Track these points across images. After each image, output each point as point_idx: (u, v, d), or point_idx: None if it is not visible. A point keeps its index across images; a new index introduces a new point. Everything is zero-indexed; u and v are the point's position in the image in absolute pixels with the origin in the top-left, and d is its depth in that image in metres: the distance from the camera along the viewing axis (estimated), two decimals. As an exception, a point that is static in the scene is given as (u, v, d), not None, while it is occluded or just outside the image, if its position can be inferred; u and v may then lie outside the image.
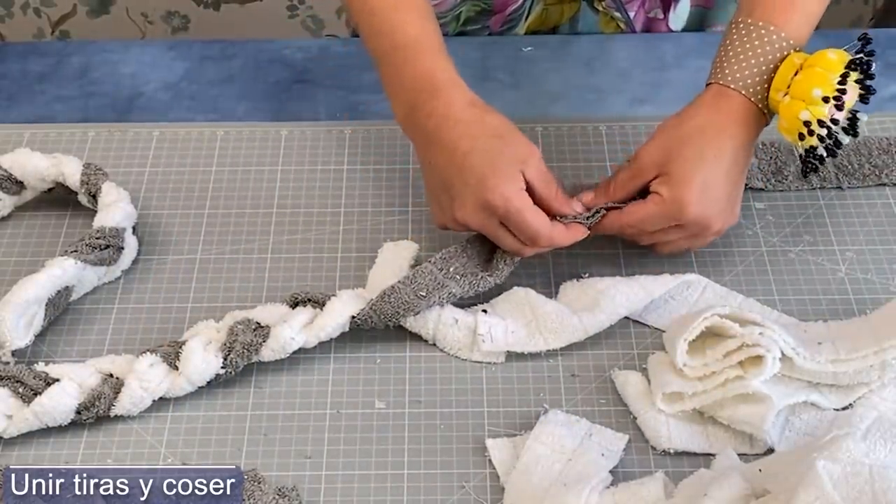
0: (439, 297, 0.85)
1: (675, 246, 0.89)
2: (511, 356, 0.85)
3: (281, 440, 0.81)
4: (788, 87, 0.83)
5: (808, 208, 0.97)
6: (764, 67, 0.85)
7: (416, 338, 0.87)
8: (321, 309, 0.85)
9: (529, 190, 0.83)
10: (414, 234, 0.95)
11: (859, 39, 0.84)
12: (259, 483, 0.75)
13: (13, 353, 0.83)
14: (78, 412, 0.80)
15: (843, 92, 0.81)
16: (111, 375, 0.82)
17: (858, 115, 0.83)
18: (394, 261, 0.89)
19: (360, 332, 0.86)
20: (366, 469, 0.79)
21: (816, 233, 0.95)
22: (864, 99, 0.83)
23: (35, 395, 0.80)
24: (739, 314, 0.81)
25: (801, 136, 0.82)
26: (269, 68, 1.13)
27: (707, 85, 0.87)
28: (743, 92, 0.84)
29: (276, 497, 0.75)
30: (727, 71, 0.85)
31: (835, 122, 0.81)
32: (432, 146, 0.85)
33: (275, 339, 0.83)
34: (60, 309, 0.88)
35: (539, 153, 0.85)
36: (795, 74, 0.83)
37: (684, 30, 1.16)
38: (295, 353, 0.84)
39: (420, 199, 0.98)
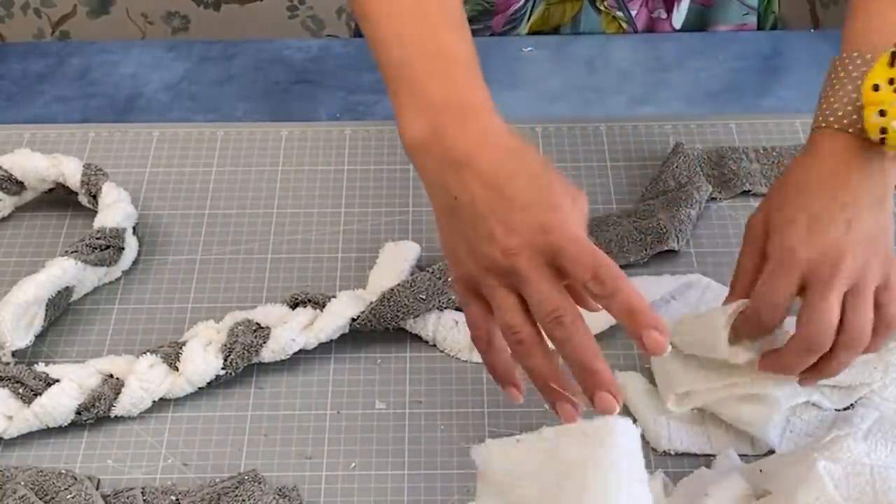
0: (439, 302, 0.85)
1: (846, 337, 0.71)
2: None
3: (281, 440, 0.81)
4: None
5: (809, 208, 0.97)
6: (854, 95, 0.73)
7: (417, 339, 0.87)
8: (321, 310, 0.85)
9: None
10: (414, 235, 0.95)
11: None
12: (259, 483, 0.75)
13: (13, 354, 0.83)
14: (78, 413, 0.80)
15: None
16: (111, 376, 0.82)
17: None
18: (394, 261, 0.89)
19: (361, 333, 0.86)
20: (366, 469, 0.79)
21: (817, 233, 0.94)
22: None
23: (35, 395, 0.80)
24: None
25: (883, 141, 0.70)
26: (269, 68, 1.13)
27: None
28: (836, 126, 0.74)
29: (277, 497, 0.75)
30: (817, 114, 0.76)
31: None
32: (463, 171, 0.69)
33: (275, 341, 0.83)
34: (61, 309, 0.88)
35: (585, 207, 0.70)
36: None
37: (683, 28, 1.16)
38: (295, 353, 0.84)
39: (421, 200, 0.98)
